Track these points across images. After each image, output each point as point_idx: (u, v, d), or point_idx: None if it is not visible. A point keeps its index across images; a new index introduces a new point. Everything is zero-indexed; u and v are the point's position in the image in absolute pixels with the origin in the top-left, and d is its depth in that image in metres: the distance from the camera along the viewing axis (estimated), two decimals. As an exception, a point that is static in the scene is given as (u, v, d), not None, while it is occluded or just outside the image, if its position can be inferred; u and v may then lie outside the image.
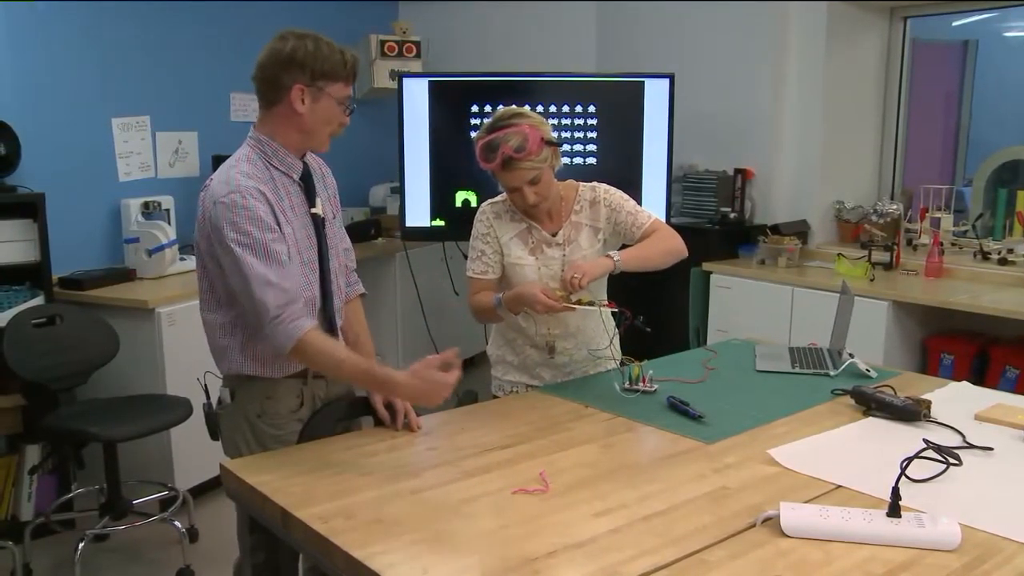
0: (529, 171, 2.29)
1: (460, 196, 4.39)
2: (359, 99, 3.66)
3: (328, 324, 2.16)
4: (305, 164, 2.12)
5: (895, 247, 4.19)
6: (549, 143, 2.32)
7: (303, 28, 2.05)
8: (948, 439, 1.96)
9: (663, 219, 4.24)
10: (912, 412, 2.09)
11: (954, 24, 5.15)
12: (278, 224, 1.99)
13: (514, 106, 2.38)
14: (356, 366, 1.98)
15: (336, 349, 2.02)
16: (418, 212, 4.44)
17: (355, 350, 2.28)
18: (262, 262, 1.93)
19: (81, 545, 3.22)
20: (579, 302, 2.26)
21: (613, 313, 2.43)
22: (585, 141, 4.36)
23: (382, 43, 5.25)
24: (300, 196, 2.09)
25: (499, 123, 2.31)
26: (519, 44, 5.46)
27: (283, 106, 2.01)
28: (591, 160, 4.38)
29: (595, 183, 2.53)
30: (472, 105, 4.36)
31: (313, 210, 2.12)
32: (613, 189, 2.52)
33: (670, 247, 2.44)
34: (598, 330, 2.53)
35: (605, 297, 2.50)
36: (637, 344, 2.47)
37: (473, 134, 2.40)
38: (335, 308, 2.18)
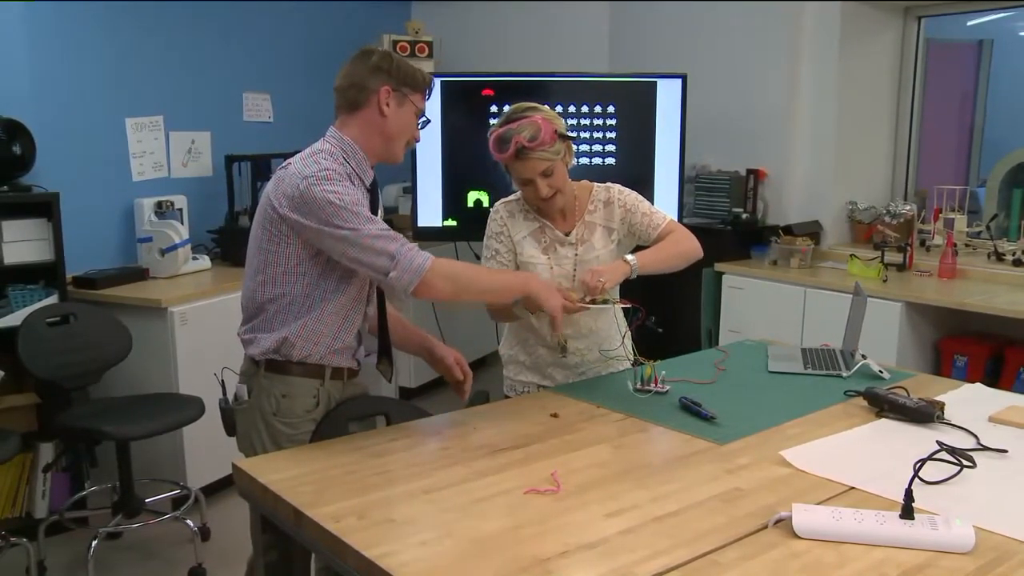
0: (542, 161, 2.29)
1: (472, 196, 4.40)
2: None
3: (364, 329, 2.22)
4: (373, 174, 2.19)
5: (908, 248, 4.17)
6: (563, 137, 2.33)
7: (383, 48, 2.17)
8: (962, 441, 1.95)
9: (676, 220, 4.27)
10: (925, 414, 2.08)
11: (969, 24, 5.12)
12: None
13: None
14: (502, 271, 2.21)
15: (470, 264, 2.19)
16: (430, 212, 4.45)
17: (403, 336, 2.41)
18: (366, 217, 1.99)
19: (94, 543, 3.24)
20: (593, 301, 2.26)
21: (626, 309, 2.42)
22: (597, 141, 4.36)
23: (395, 43, 5.25)
24: (367, 203, 2.12)
25: (513, 115, 2.33)
26: (531, 44, 5.46)
27: (368, 110, 2.10)
28: (604, 160, 4.37)
29: (609, 183, 2.53)
30: (484, 105, 4.36)
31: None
32: (627, 190, 2.52)
33: (686, 249, 2.44)
34: (610, 330, 2.53)
35: (618, 296, 2.50)
36: (649, 345, 2.46)
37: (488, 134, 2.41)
38: (384, 314, 2.26)
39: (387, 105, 2.09)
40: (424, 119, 2.19)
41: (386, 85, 2.08)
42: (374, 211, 2.17)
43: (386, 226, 2.03)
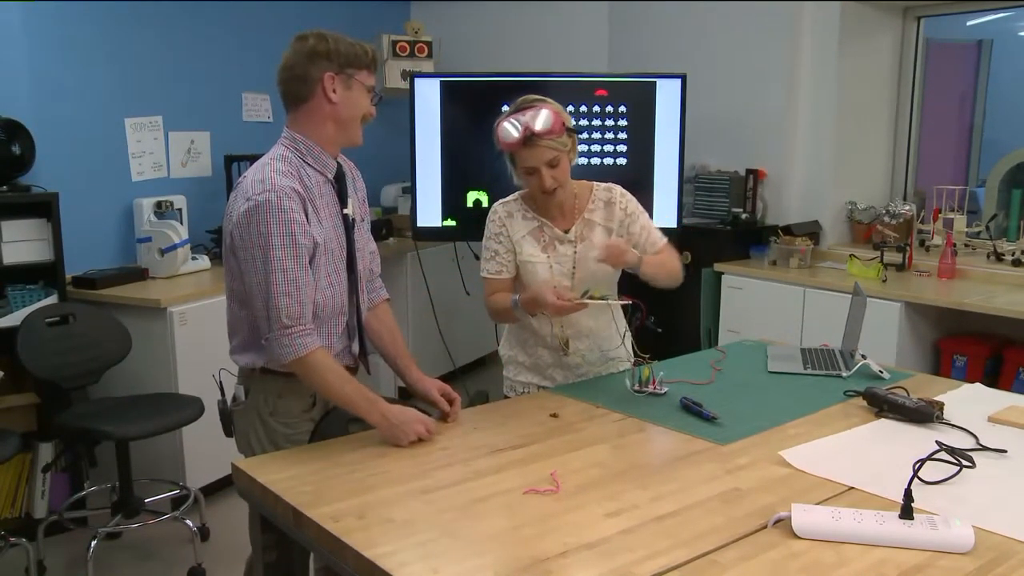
0: (549, 150, 2.29)
1: (471, 196, 4.39)
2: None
3: (353, 325, 2.18)
4: (339, 164, 2.14)
5: (908, 248, 4.17)
6: (569, 131, 2.33)
7: (318, 29, 2.06)
8: (961, 441, 1.95)
9: (675, 220, 4.29)
10: (925, 414, 2.08)
11: (968, 24, 5.12)
12: (308, 224, 1.99)
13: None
14: (357, 387, 2.01)
15: (340, 369, 2.03)
16: (429, 212, 4.45)
17: (391, 352, 2.31)
18: (286, 267, 1.92)
19: (94, 543, 3.23)
20: (591, 298, 2.26)
21: (626, 308, 2.42)
22: (597, 142, 4.35)
23: (394, 43, 5.25)
24: (332, 196, 2.10)
25: (522, 104, 2.33)
26: (531, 44, 5.47)
27: (314, 100, 2.02)
28: (604, 160, 4.37)
29: (610, 184, 2.53)
30: (483, 105, 4.35)
31: (345, 211, 2.13)
32: (630, 196, 2.52)
33: (676, 271, 2.48)
34: (610, 331, 2.53)
35: (615, 294, 2.49)
36: (649, 345, 2.46)
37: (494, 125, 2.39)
38: (361, 310, 2.20)
39: (333, 91, 2.00)
40: (376, 95, 2.08)
41: (327, 71, 1.99)
42: (343, 202, 2.12)
43: (296, 285, 1.93)
